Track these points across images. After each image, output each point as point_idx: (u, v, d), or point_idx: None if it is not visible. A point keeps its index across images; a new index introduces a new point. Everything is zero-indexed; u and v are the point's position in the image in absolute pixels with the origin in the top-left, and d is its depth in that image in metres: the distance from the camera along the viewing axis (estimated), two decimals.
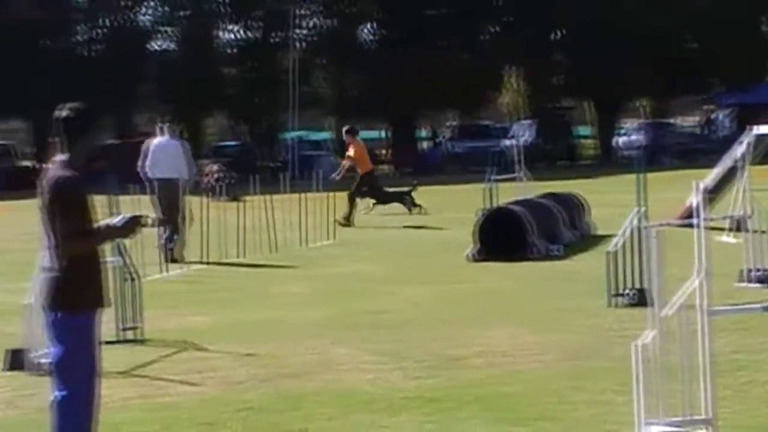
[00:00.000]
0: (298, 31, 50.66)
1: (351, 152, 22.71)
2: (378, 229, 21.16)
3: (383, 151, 57.72)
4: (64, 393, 5.60)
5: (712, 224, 9.06)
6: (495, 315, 10.98)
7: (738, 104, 48.66)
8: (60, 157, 5.74)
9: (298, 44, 50.41)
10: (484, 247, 15.00)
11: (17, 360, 8.69)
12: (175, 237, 15.83)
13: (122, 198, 14.14)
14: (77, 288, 5.62)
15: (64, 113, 5.77)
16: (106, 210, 9.96)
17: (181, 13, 53.10)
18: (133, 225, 5.76)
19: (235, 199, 20.08)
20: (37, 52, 46.29)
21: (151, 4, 54.10)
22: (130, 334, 9.89)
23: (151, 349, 9.53)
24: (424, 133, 61.55)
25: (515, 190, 19.78)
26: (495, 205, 17.19)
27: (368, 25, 55.78)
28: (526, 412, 7.10)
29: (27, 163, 53.06)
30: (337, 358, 9.01)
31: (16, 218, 24.81)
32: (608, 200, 20.40)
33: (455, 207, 23.18)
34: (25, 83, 43.50)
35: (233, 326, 10.64)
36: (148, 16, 54.07)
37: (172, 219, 15.79)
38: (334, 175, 23.38)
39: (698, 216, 5.98)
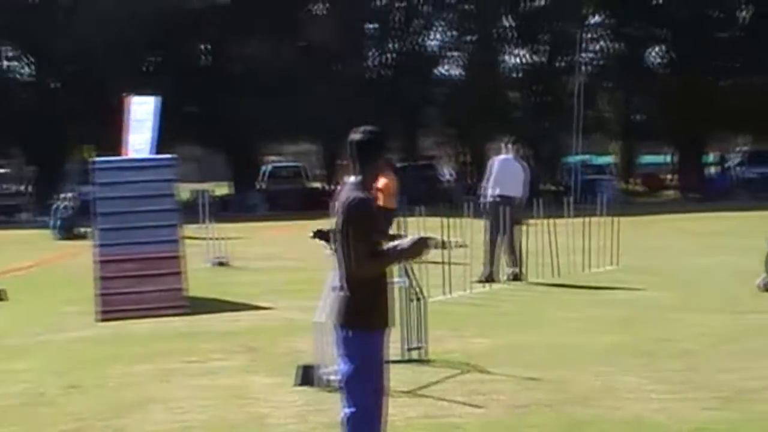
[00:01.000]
0: (584, 54, 50.09)
1: (380, 184, 21.03)
2: (662, 255, 20.63)
3: (669, 176, 56.28)
4: (353, 410, 5.74)
5: None
6: None
7: None
8: (352, 179, 5.90)
9: (583, 68, 49.88)
10: None
11: (308, 376, 8.98)
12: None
13: (409, 219, 14.55)
14: (367, 308, 5.75)
15: (358, 136, 5.93)
16: (393, 231, 10.23)
17: (468, 38, 53.68)
18: (421, 246, 5.84)
19: (516, 222, 20.09)
20: (330, 77, 47.98)
21: (439, 29, 54.99)
22: (414, 354, 10.07)
23: (434, 369, 9.64)
24: (711, 157, 59.57)
25: None
26: None
27: (656, 48, 54.50)
28: None
29: (317, 184, 55.22)
30: (622, 385, 8.83)
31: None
32: None
33: (744, 234, 22.30)
34: (317, 107, 45.15)
35: (515, 349, 10.62)
36: (435, 41, 55.00)
37: (510, 237, 16.26)
38: None
39: None
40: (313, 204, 38.60)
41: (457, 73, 56.32)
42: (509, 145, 17.49)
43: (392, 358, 9.90)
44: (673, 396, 8.41)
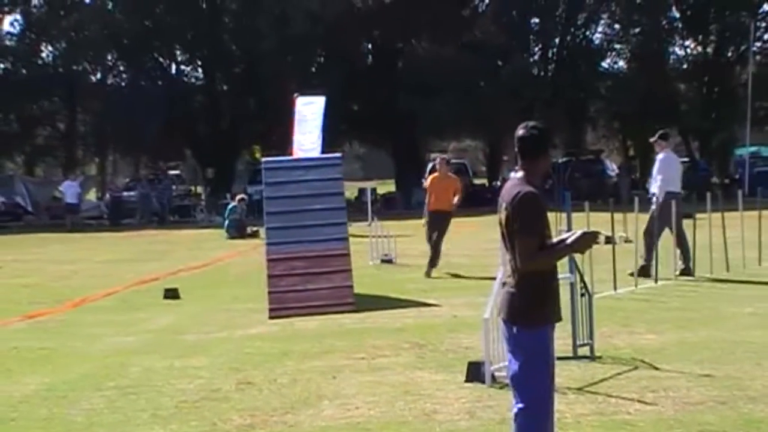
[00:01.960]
0: (756, 44, 48.53)
1: (425, 183, 20.64)
2: None
3: None
4: (521, 406, 5.73)
5: None
6: None
7: None
8: (518, 174, 5.87)
9: (756, 57, 48.37)
10: None
11: (476, 372, 8.99)
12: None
13: (574, 215, 14.38)
14: (533, 303, 5.71)
15: (522, 132, 5.88)
16: (559, 227, 10.15)
17: (634, 31, 52.76)
18: (587, 241, 5.78)
19: (684, 216, 19.67)
20: (494, 73, 47.85)
21: (602, 22, 54.25)
22: (582, 351, 9.97)
23: (604, 366, 9.52)
24: None
25: None
26: None
27: None
28: None
29: (480, 181, 55.20)
30: None
31: (476, 234, 25.82)
32: None
33: None
34: (480, 103, 45.13)
35: (686, 346, 10.39)
36: (600, 34, 54.31)
37: (679, 231, 16.04)
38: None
39: None
40: (477, 201, 38.54)
41: (622, 65, 55.47)
42: (661, 141, 16.99)
43: (561, 354, 9.85)
44: None
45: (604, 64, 55.07)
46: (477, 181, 54.51)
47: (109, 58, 52.85)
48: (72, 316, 14.90)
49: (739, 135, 49.66)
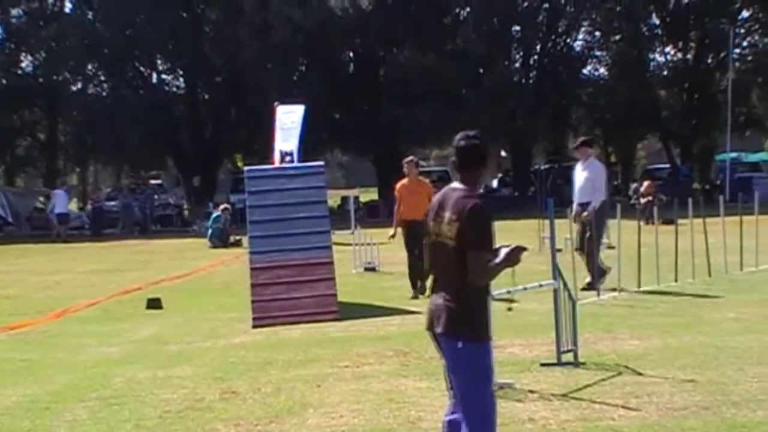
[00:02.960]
0: (735, 50, 48.79)
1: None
2: None
3: None
4: (471, 420, 5.68)
5: None
6: None
7: None
8: (459, 185, 5.80)
9: (734, 64, 48.63)
10: None
11: None
12: None
13: (557, 221, 14.40)
14: (479, 317, 5.70)
15: (463, 143, 5.83)
16: (542, 234, 10.15)
17: (615, 38, 52.98)
18: (518, 255, 5.69)
19: (666, 222, 19.76)
20: (476, 81, 47.92)
21: (583, 29, 54.40)
22: (566, 357, 9.98)
23: (587, 371, 9.54)
24: None
25: None
26: None
27: None
28: None
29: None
30: None
31: None
32: None
33: None
34: (463, 111, 45.23)
35: (669, 351, 10.42)
36: (581, 42, 54.49)
37: (598, 244, 15.54)
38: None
39: None
40: None
41: (603, 72, 55.70)
42: (587, 148, 16.28)
43: (545, 361, 9.91)
44: None
45: (585, 71, 55.35)
46: None
47: (90, 67, 52.62)
48: (54, 327, 14.84)
49: (719, 141, 49.93)
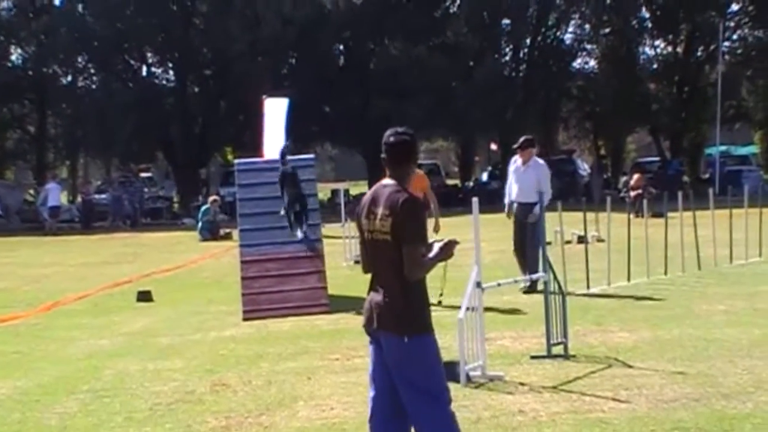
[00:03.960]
0: (725, 43, 48.85)
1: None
2: None
3: None
4: (432, 413, 5.64)
5: None
6: None
7: None
8: (389, 181, 5.78)
9: (725, 57, 48.69)
10: None
11: (451, 372, 8.95)
12: None
13: (547, 214, 14.39)
14: (422, 310, 5.67)
15: (393, 138, 5.84)
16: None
17: (604, 31, 53.02)
18: (451, 248, 5.77)
19: (655, 215, 19.78)
20: (466, 74, 47.92)
21: (572, 23, 54.46)
22: (556, 350, 10.00)
23: (577, 364, 9.56)
24: None
25: None
26: None
27: None
28: None
29: (453, 181, 55.37)
30: None
31: (448, 235, 25.81)
32: None
33: None
34: (453, 104, 45.26)
35: (659, 344, 10.45)
36: (570, 35, 54.54)
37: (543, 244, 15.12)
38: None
39: None
40: (449, 201, 38.61)
41: (593, 65, 55.76)
42: (530, 148, 15.72)
43: (535, 353, 9.94)
44: None
45: (575, 65, 55.37)
46: (450, 182, 54.68)
47: (80, 60, 52.48)
48: (44, 320, 14.82)
49: (709, 134, 50.01)
